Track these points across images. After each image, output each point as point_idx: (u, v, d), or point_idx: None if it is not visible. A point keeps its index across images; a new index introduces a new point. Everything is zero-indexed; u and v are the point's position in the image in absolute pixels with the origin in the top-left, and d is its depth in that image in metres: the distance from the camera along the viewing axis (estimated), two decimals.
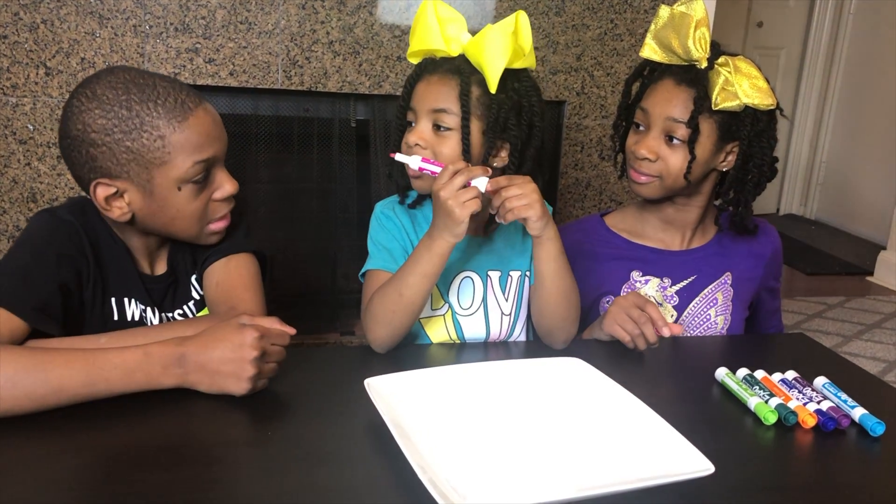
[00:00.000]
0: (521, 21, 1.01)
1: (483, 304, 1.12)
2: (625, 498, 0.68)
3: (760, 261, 1.30)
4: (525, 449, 0.78)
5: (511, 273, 1.14)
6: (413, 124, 1.05)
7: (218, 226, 1.01)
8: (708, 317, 1.26)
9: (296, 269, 2.14)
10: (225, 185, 0.98)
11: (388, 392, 0.80)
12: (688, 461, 0.71)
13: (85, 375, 0.79)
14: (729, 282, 1.27)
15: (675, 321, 1.25)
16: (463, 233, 0.95)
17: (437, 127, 1.03)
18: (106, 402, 0.82)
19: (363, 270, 1.11)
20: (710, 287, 1.26)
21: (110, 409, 0.81)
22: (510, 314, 1.14)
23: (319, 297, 2.17)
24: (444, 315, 1.11)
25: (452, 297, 1.11)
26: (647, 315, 1.04)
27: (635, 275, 1.26)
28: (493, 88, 1.01)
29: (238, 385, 0.83)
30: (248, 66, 1.87)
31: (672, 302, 1.25)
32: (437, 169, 0.96)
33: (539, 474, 0.73)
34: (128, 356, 0.82)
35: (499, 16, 1.95)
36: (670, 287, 1.25)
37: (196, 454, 0.75)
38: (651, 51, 1.19)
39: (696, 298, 1.25)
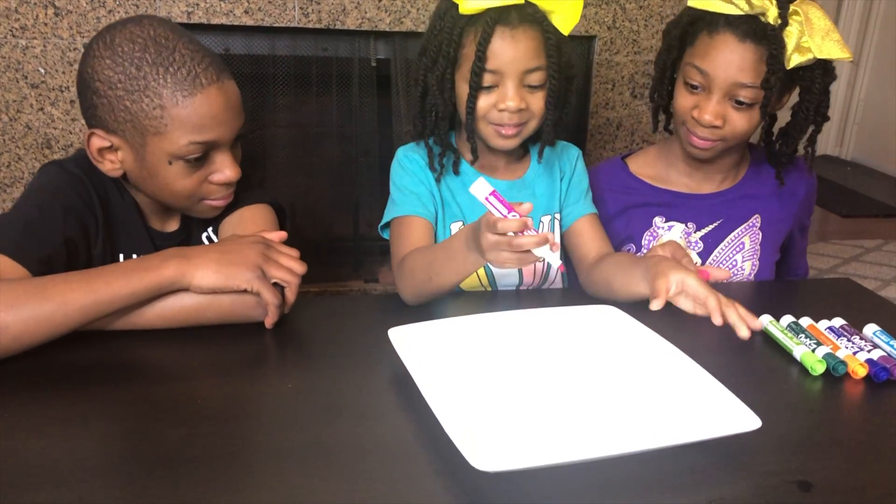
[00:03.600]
0: None
1: None
2: (666, 455, 0.64)
3: (794, 199, 1.24)
4: (558, 402, 0.74)
5: (542, 218, 1.10)
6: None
7: (214, 203, 0.95)
8: (734, 263, 1.20)
9: (317, 216, 2.11)
10: (225, 171, 0.92)
11: (412, 343, 0.77)
12: (733, 415, 0.68)
13: (84, 284, 0.79)
14: (758, 225, 1.21)
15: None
16: None
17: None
18: (123, 361, 0.81)
19: (386, 220, 1.06)
20: (737, 231, 1.20)
21: (127, 367, 0.80)
22: (543, 259, 1.09)
23: (342, 243, 2.13)
24: None
25: None
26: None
27: (658, 221, 1.20)
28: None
29: (245, 273, 0.82)
30: (263, 4, 1.81)
31: (696, 248, 1.20)
32: (503, 209, 0.80)
33: (574, 430, 0.69)
34: (125, 262, 0.86)
35: None
36: (695, 233, 1.19)
37: (214, 409, 0.73)
38: (701, 0, 1.06)
39: (722, 244, 1.20)
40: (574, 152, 1.15)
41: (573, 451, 0.63)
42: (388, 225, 1.07)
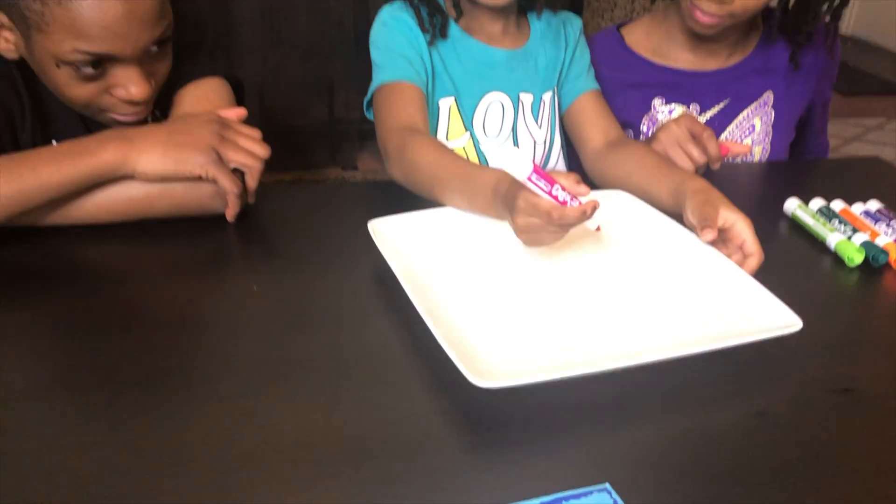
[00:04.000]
0: None
1: (513, 133, 0.98)
2: (694, 363, 0.56)
3: (813, 70, 1.11)
4: (568, 306, 0.65)
5: (543, 97, 0.99)
6: None
7: (120, 118, 0.82)
8: None
9: (288, 98, 2.01)
10: (130, 87, 0.77)
11: (397, 237, 0.71)
12: (771, 316, 0.60)
13: (7, 171, 0.71)
14: (770, 103, 1.09)
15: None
16: None
17: None
18: (59, 261, 0.73)
19: (371, 91, 0.93)
20: (747, 111, 1.09)
21: (64, 268, 0.73)
22: (544, 141, 1.00)
23: (316, 127, 2.05)
24: (464, 146, 0.97)
25: (477, 126, 0.97)
26: (705, 157, 0.89)
27: (657, 103, 1.08)
28: None
29: (197, 156, 0.74)
30: None
31: None
32: (546, 186, 0.62)
33: (587, 337, 0.61)
34: (56, 146, 0.76)
35: None
36: (699, 115, 1.08)
37: (166, 317, 0.66)
38: None
39: (730, 126, 1.08)
40: (578, 22, 1.03)
41: (587, 363, 0.54)
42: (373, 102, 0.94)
